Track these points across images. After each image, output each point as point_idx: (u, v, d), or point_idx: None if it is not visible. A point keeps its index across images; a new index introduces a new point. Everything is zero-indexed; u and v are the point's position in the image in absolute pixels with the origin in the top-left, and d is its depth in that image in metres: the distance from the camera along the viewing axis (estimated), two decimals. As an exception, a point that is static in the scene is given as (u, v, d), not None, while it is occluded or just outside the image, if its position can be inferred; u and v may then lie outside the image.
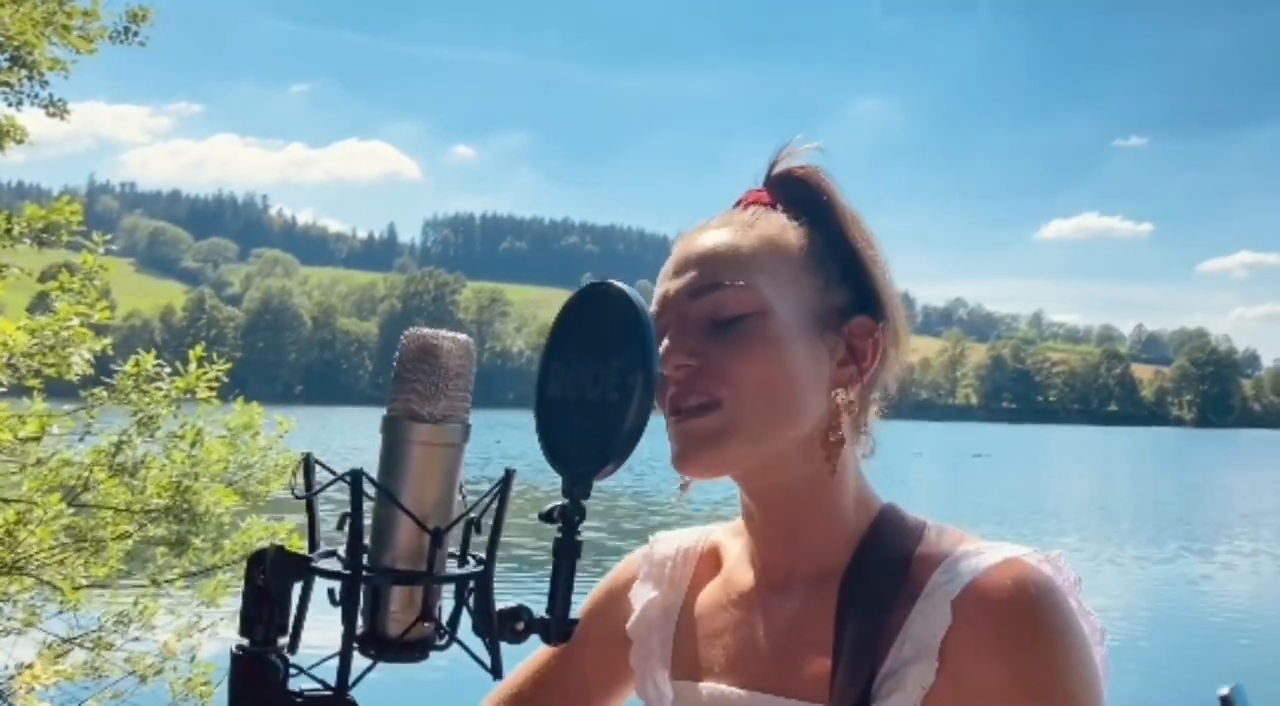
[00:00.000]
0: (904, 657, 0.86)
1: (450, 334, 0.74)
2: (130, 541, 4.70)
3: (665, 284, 0.98)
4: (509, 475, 0.75)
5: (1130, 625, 14.19)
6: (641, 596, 1.10)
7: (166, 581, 4.81)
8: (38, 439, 4.52)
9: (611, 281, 0.82)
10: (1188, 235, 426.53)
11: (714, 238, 0.97)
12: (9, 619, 4.62)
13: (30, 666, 4.52)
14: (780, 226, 0.98)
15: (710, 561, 1.10)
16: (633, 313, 0.79)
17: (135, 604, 4.78)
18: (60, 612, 4.68)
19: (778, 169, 1.03)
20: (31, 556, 4.37)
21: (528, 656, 1.14)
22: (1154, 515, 30.25)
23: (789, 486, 0.97)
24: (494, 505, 0.74)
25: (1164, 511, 31.47)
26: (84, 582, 4.55)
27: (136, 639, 4.81)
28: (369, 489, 0.71)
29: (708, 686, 0.99)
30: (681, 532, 1.15)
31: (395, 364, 0.73)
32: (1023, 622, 0.84)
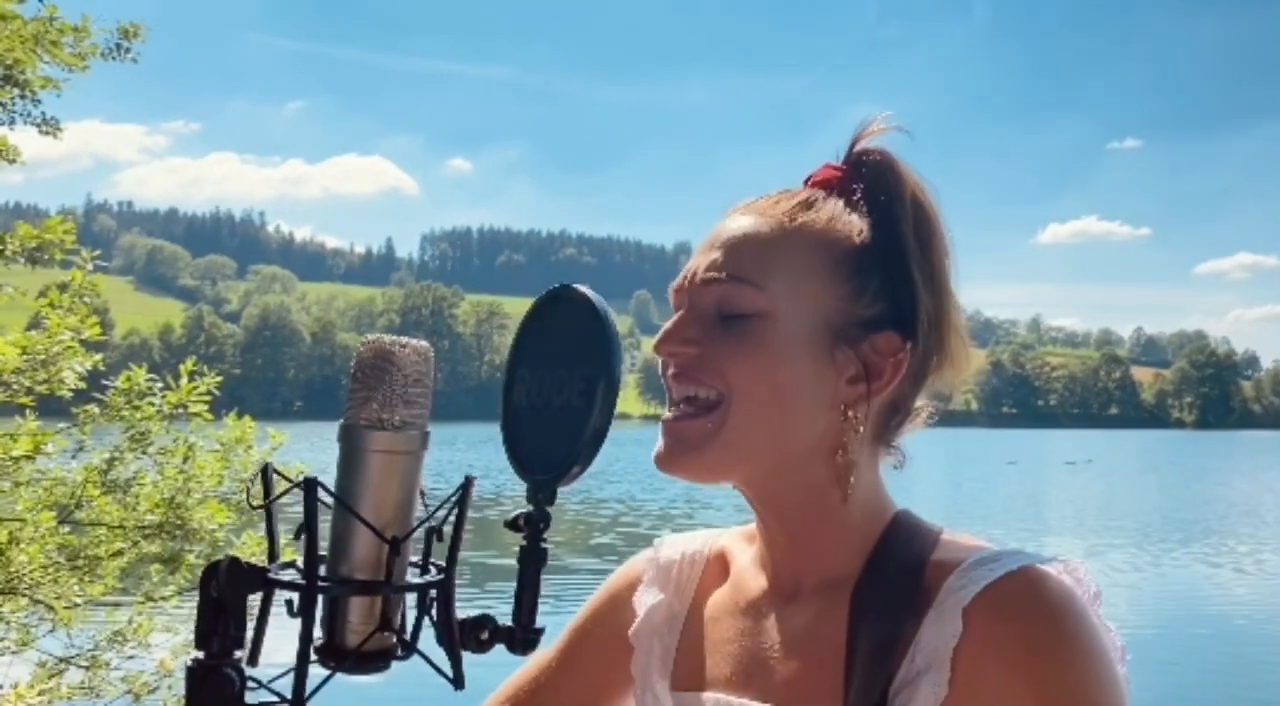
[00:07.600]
0: (916, 668, 0.83)
1: (408, 340, 0.73)
2: (125, 559, 4.67)
3: (691, 261, 0.95)
4: (469, 482, 0.73)
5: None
6: (646, 602, 1.06)
7: (161, 598, 4.78)
8: (31, 457, 4.50)
9: (575, 286, 0.80)
10: (1185, 237, 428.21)
11: (746, 223, 0.93)
12: (1, 640, 4.59)
13: (16, 687, 4.49)
14: (828, 219, 0.92)
15: (718, 567, 1.06)
16: (595, 317, 0.77)
17: (130, 622, 4.75)
18: (52, 631, 4.66)
19: (859, 146, 0.96)
20: (24, 575, 4.34)
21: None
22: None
23: (792, 494, 0.93)
24: (454, 513, 0.73)
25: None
26: (79, 601, 4.53)
27: (132, 657, 4.79)
28: (327, 498, 0.70)
29: (712, 697, 0.95)
30: (687, 536, 1.11)
31: (352, 371, 0.72)
32: (1038, 631, 0.80)
